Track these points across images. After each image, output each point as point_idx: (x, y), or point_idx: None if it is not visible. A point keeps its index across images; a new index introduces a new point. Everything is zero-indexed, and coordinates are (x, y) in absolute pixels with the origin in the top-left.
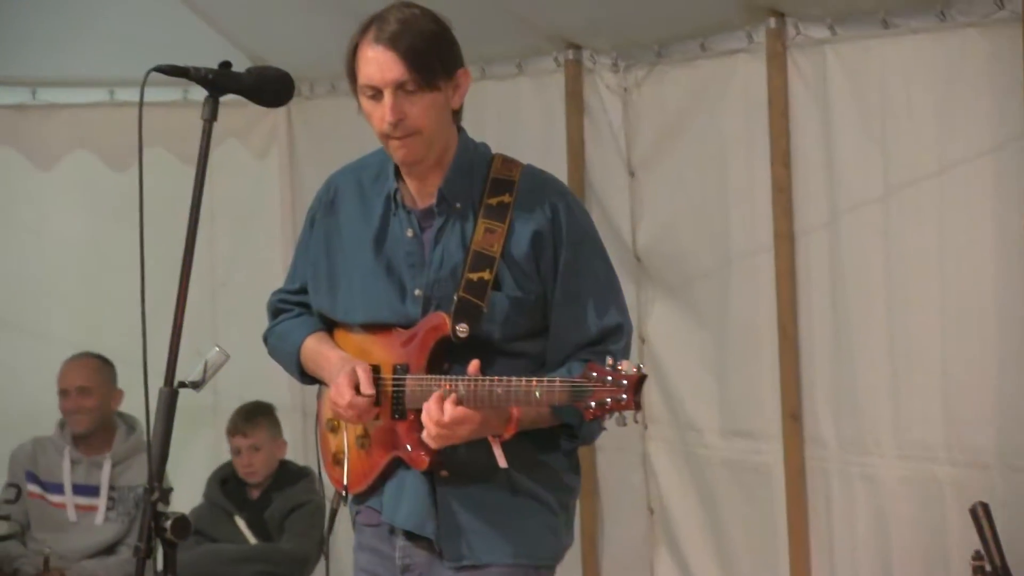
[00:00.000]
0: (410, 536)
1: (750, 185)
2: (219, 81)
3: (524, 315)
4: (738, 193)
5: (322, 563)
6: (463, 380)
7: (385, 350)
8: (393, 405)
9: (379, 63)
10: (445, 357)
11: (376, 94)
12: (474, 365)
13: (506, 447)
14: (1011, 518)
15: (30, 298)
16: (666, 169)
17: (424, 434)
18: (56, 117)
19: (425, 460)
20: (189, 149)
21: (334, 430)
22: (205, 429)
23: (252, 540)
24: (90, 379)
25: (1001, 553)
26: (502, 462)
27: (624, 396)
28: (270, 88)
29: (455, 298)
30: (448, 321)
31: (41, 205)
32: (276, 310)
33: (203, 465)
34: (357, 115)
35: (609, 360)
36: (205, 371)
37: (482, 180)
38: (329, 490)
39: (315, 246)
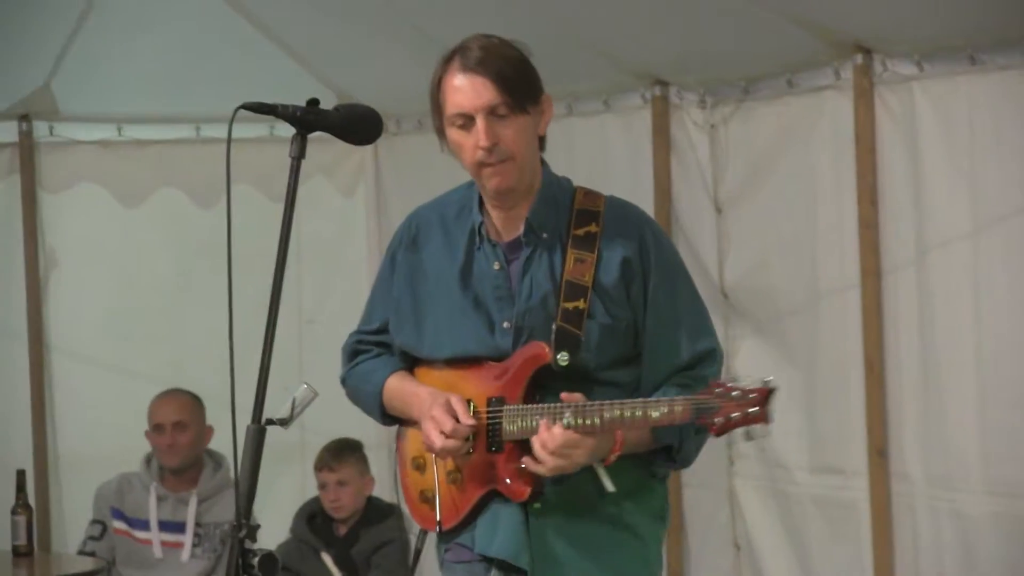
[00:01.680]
0: (504, 568)
1: (838, 222)
2: (307, 119)
3: (616, 343)
4: (826, 230)
5: None
6: (570, 406)
7: (475, 384)
8: (489, 437)
9: (471, 88)
10: (539, 389)
11: (467, 122)
12: (578, 396)
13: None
14: None
15: (116, 335)
16: (753, 206)
17: (532, 463)
18: (142, 154)
19: (525, 491)
20: (275, 186)
21: (420, 468)
22: (292, 466)
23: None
24: (185, 414)
25: None
26: (609, 486)
27: (755, 409)
28: (358, 126)
29: (553, 327)
30: (548, 350)
31: (128, 242)
32: (354, 351)
33: (289, 502)
34: (444, 152)
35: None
36: (293, 408)
37: (567, 211)
38: (414, 526)
39: (399, 283)
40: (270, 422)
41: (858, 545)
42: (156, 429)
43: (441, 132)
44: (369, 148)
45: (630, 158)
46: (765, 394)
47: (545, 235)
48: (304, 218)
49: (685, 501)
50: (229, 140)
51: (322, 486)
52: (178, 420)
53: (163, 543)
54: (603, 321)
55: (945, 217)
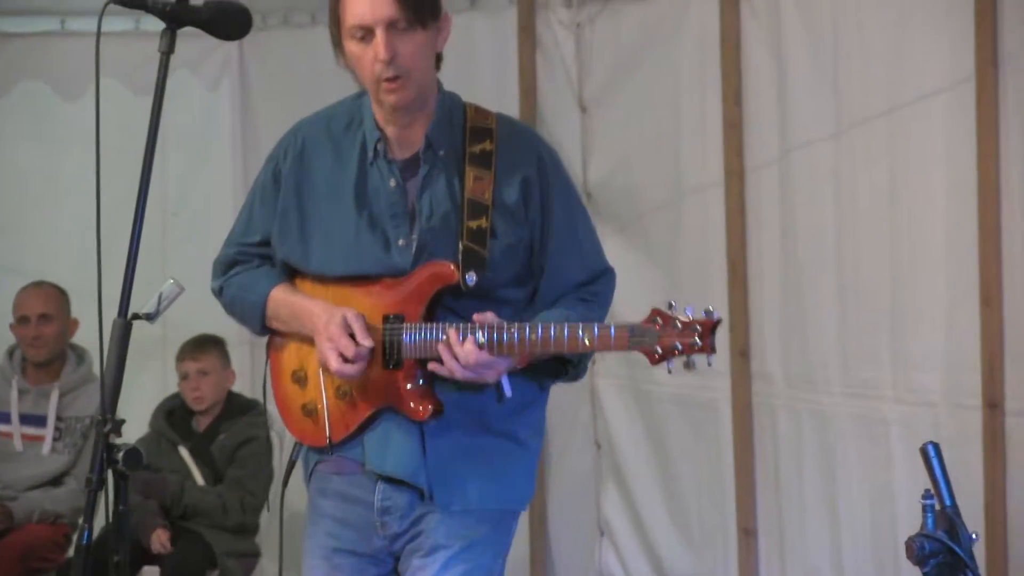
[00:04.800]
0: (392, 482)
1: (701, 122)
2: (177, 14)
3: (514, 262)
4: (689, 129)
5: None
6: (487, 326)
7: (369, 299)
8: (386, 354)
9: (371, 1)
10: (437, 306)
11: (366, 35)
12: (489, 315)
13: (493, 390)
14: (955, 456)
15: None
16: (618, 105)
17: (438, 367)
18: (7, 46)
19: (428, 411)
20: (140, 80)
21: (300, 381)
22: (154, 361)
23: (196, 471)
24: (50, 307)
25: (952, 493)
26: (508, 391)
27: (698, 340)
28: (228, 21)
29: (460, 246)
30: (454, 269)
31: None
32: (232, 261)
33: (151, 397)
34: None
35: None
36: (159, 303)
37: (460, 129)
38: (276, 423)
39: (285, 196)
40: (136, 317)
41: (718, 445)
42: (21, 321)
43: (338, 44)
44: (234, 43)
45: (496, 56)
46: (710, 326)
47: (442, 152)
48: (168, 111)
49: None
50: (99, 34)
51: (183, 376)
52: (43, 312)
53: (24, 436)
54: (506, 240)
55: (808, 118)
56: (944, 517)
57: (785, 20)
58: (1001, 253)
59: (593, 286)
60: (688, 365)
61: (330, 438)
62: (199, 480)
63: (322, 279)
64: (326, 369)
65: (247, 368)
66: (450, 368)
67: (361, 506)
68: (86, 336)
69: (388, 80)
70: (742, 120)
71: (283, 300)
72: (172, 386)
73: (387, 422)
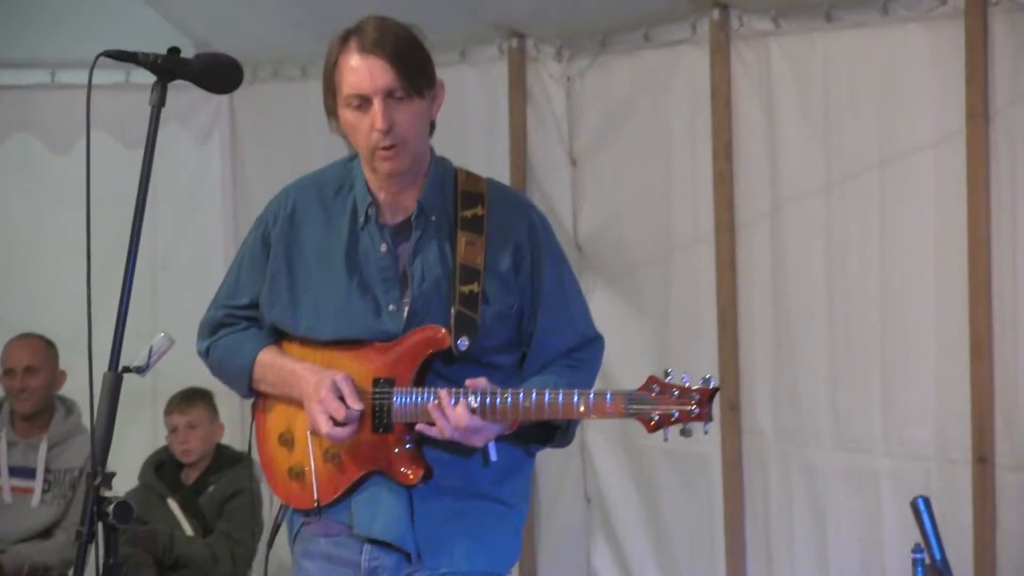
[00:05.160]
0: (379, 544)
1: (692, 176)
2: (168, 67)
3: (505, 327)
4: (680, 184)
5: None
6: (479, 392)
7: (358, 363)
8: (375, 418)
9: (368, 70)
10: (427, 371)
11: (363, 104)
12: (482, 381)
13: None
14: (945, 510)
15: None
16: (608, 159)
17: (427, 428)
18: None
19: (417, 475)
20: (130, 132)
21: (288, 444)
22: (143, 412)
23: (185, 523)
24: (37, 359)
25: (942, 546)
26: (494, 455)
27: (695, 408)
28: (219, 74)
29: (453, 311)
30: (446, 335)
31: None
32: (219, 324)
33: (141, 450)
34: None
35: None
36: (150, 356)
37: (452, 193)
38: (263, 476)
39: (274, 260)
40: (127, 370)
41: (709, 498)
42: (7, 373)
43: (332, 112)
44: (225, 96)
45: (486, 110)
46: (708, 394)
47: (434, 218)
48: (159, 164)
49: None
50: (89, 87)
51: (172, 430)
52: (29, 364)
53: (13, 488)
54: (497, 307)
55: (799, 173)
56: (934, 571)
57: (775, 74)
58: (991, 307)
59: (581, 352)
60: (685, 432)
61: (318, 501)
62: (188, 532)
63: (311, 342)
64: (315, 432)
65: (236, 420)
66: (440, 429)
67: (347, 567)
68: (75, 388)
69: (384, 149)
70: (733, 174)
71: (270, 363)
72: (162, 438)
73: (375, 486)
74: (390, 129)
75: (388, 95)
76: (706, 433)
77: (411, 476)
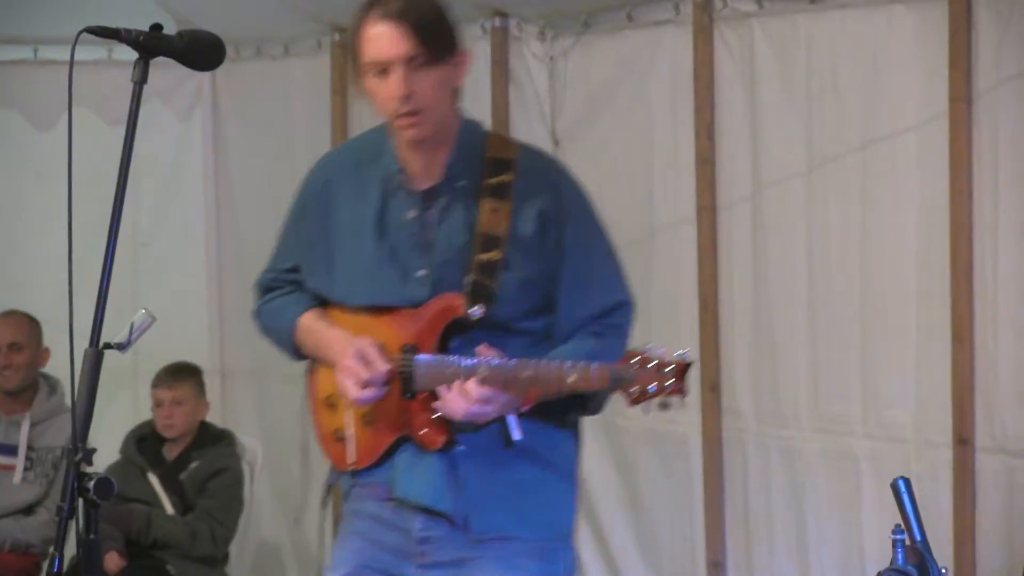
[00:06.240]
0: (429, 510)
1: (674, 157)
2: (151, 44)
3: (531, 294)
4: (662, 165)
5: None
6: (487, 361)
7: (389, 329)
8: (403, 385)
9: (388, 38)
10: (454, 337)
11: (383, 71)
12: (482, 348)
13: (522, 420)
14: (925, 492)
15: None
16: (591, 139)
17: (445, 409)
18: None
19: (439, 441)
20: (112, 109)
21: (332, 406)
22: (125, 390)
23: (165, 499)
24: (21, 335)
25: (922, 527)
26: (517, 434)
27: (672, 382)
28: (202, 52)
29: (468, 280)
30: (462, 303)
31: None
32: (267, 287)
33: (122, 427)
34: (281, 78)
35: (645, 349)
36: (131, 333)
37: (479, 159)
38: (247, 453)
39: (311, 227)
40: (108, 346)
41: (688, 479)
42: None
43: (358, 77)
44: (207, 73)
45: (468, 89)
46: (683, 367)
47: (461, 184)
48: (141, 141)
49: None
50: (72, 63)
51: (158, 404)
52: (14, 341)
53: None
54: (519, 273)
55: (781, 155)
56: (914, 552)
57: (759, 56)
58: (972, 290)
59: (609, 319)
60: (664, 406)
61: (355, 463)
62: (168, 508)
63: (346, 308)
64: (345, 397)
65: (218, 397)
66: (450, 403)
67: (397, 532)
68: (59, 365)
69: (404, 116)
70: (715, 156)
71: (308, 328)
72: (143, 415)
73: (414, 452)
74: (409, 96)
75: (408, 62)
76: (684, 406)
77: (433, 442)
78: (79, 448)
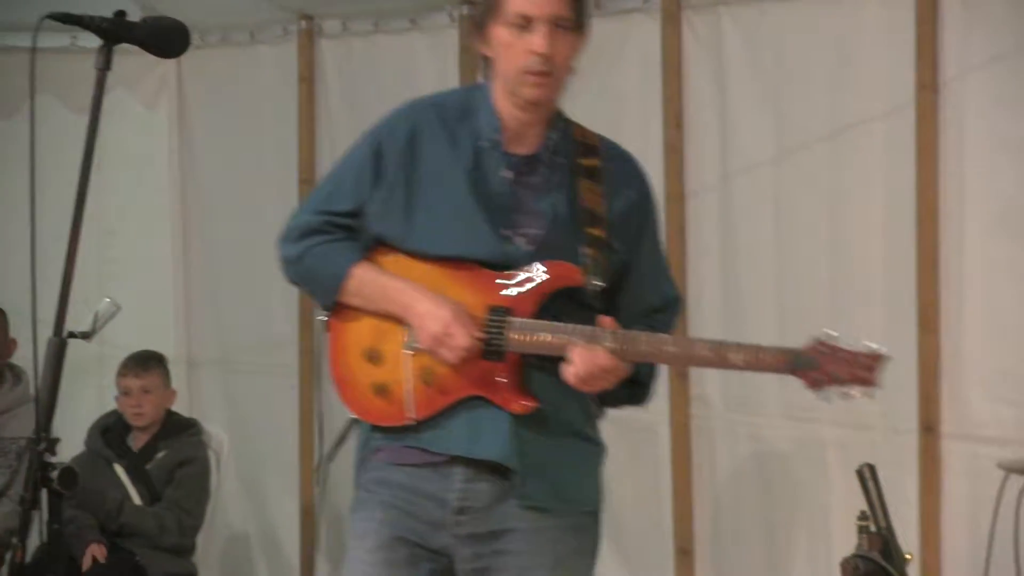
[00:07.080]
0: (471, 477)
1: (643, 145)
2: (114, 30)
3: (611, 275)
4: (631, 152)
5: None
6: (624, 333)
7: (470, 288)
8: (488, 345)
9: None
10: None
11: (527, 25)
12: (607, 321)
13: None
14: (891, 479)
15: None
16: None
17: (571, 373)
18: None
19: (527, 406)
20: (77, 96)
21: (374, 360)
22: (90, 379)
23: (132, 489)
24: None
25: (886, 514)
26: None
27: (867, 373)
28: (166, 38)
29: (587, 251)
30: (580, 273)
31: None
32: (314, 230)
33: (87, 416)
34: (248, 65)
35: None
36: (95, 322)
37: (572, 140)
38: (212, 441)
39: (392, 171)
40: (72, 335)
41: (656, 466)
42: None
43: (482, 25)
44: (172, 60)
45: (437, 77)
46: (878, 359)
47: (559, 158)
48: (106, 129)
49: None
50: (34, 50)
51: (125, 393)
52: None
53: None
54: (616, 254)
55: (749, 143)
56: (879, 538)
57: (727, 44)
58: (939, 278)
59: (663, 314)
60: (845, 395)
61: (413, 417)
62: (135, 499)
63: (416, 258)
64: (421, 352)
65: (184, 386)
66: (576, 370)
67: (431, 501)
68: (25, 356)
69: (536, 74)
70: (683, 144)
71: (371, 279)
72: (108, 405)
73: (476, 409)
74: (550, 56)
75: (555, 22)
76: (872, 398)
77: (520, 405)
78: (42, 437)
